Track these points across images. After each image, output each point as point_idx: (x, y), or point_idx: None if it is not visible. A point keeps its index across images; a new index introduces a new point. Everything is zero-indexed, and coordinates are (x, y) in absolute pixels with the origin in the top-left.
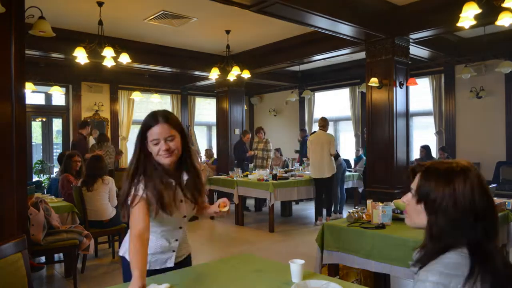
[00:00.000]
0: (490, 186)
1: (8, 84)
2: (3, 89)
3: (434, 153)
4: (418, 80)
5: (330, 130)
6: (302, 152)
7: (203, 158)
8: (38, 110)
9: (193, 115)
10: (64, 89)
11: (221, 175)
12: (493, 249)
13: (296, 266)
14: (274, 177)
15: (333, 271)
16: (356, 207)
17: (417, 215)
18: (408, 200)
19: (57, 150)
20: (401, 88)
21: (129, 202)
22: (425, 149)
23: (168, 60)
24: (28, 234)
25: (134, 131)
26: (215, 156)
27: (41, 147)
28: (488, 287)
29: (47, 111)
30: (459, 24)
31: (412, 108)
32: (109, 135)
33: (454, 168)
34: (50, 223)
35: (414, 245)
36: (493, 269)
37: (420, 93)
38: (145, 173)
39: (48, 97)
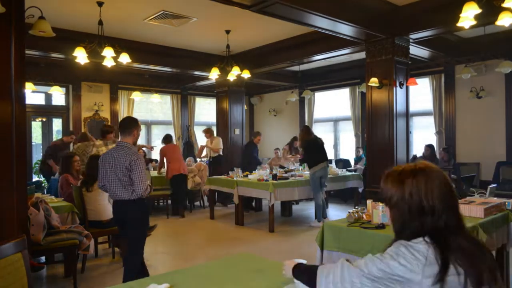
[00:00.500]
0: (490, 186)
1: (8, 84)
2: (3, 89)
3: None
4: (418, 80)
5: (331, 130)
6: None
7: (204, 152)
8: (38, 110)
9: (193, 115)
10: (64, 89)
11: (221, 175)
12: (452, 236)
13: None
14: (274, 177)
15: None
16: (356, 207)
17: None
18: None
19: None
20: (401, 88)
21: None
22: (430, 148)
23: (168, 60)
24: (28, 234)
25: None
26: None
27: (41, 147)
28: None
29: (47, 111)
30: (459, 24)
31: (412, 108)
32: None
33: (406, 169)
34: (50, 223)
35: None
36: (454, 249)
37: (420, 93)
38: None
39: (48, 97)
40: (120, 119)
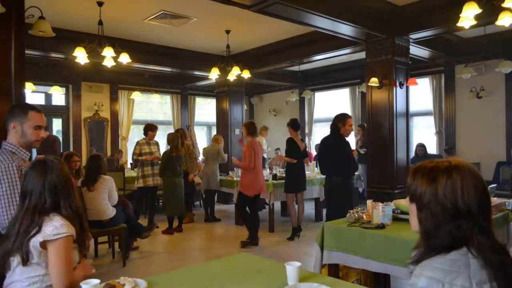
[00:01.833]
0: (490, 186)
1: (8, 84)
2: (3, 89)
3: (434, 153)
4: (418, 80)
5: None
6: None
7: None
8: None
9: (193, 115)
10: (64, 89)
11: (221, 175)
12: (483, 242)
13: (291, 269)
14: (274, 177)
15: (333, 271)
16: (356, 207)
17: (413, 216)
18: (407, 202)
19: None
20: (401, 88)
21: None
22: (423, 147)
23: (168, 60)
24: None
25: (134, 131)
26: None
27: None
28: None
29: (47, 111)
30: (459, 24)
31: (412, 108)
32: (109, 135)
33: (439, 166)
34: None
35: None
36: (486, 262)
37: (420, 93)
38: None
39: (48, 97)
40: (120, 119)
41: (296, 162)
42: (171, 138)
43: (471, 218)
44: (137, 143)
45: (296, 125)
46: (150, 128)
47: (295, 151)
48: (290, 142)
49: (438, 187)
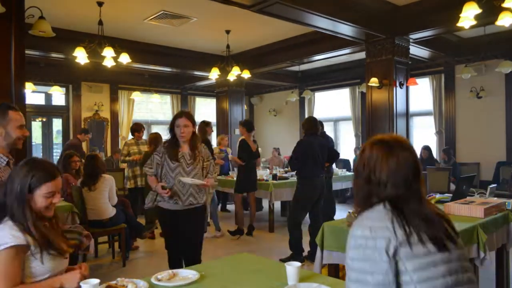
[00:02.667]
0: (490, 186)
1: (8, 84)
2: (3, 89)
3: (434, 153)
4: (418, 80)
5: (331, 130)
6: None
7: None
8: (38, 110)
9: (193, 115)
10: (64, 89)
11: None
12: (409, 203)
13: (291, 269)
14: (274, 177)
15: (333, 271)
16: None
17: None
18: None
19: (57, 150)
20: (401, 88)
21: None
22: (427, 150)
23: (168, 60)
24: None
25: None
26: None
27: (41, 147)
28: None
29: (47, 111)
30: (459, 24)
31: (412, 108)
32: (109, 135)
33: (372, 140)
34: None
35: None
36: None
37: (420, 93)
38: None
39: (48, 97)
40: (120, 119)
41: (248, 163)
42: (153, 138)
43: (381, 186)
44: (125, 143)
45: (250, 126)
46: (135, 129)
47: (247, 152)
48: (243, 143)
49: (364, 154)
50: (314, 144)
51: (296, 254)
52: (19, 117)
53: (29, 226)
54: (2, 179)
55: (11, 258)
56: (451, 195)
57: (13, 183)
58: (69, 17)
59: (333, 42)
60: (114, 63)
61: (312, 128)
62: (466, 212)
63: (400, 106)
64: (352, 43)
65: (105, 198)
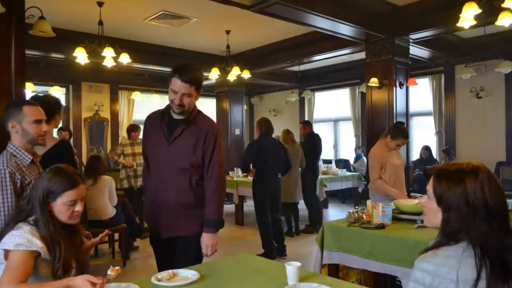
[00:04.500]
0: None
1: (8, 84)
2: (3, 89)
3: (434, 153)
4: (418, 80)
5: (331, 130)
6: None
7: None
8: None
9: None
10: (64, 89)
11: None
12: (499, 242)
13: (291, 269)
14: None
15: (333, 271)
16: (356, 207)
17: (433, 215)
18: (425, 201)
19: None
20: (401, 88)
21: None
22: (427, 150)
23: (168, 60)
24: None
25: None
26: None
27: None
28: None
29: None
30: (459, 24)
31: (412, 108)
32: (109, 135)
33: (464, 168)
34: None
35: (415, 245)
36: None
37: (420, 93)
38: None
39: None
40: (120, 119)
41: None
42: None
43: (494, 216)
44: (120, 143)
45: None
46: (132, 129)
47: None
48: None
49: (466, 188)
50: (267, 144)
51: (266, 252)
52: (34, 112)
53: (47, 235)
54: (27, 178)
55: (24, 260)
56: None
57: (36, 190)
58: (69, 17)
59: (333, 42)
60: (114, 63)
61: (268, 128)
62: None
63: (400, 106)
64: (352, 43)
65: (105, 198)
